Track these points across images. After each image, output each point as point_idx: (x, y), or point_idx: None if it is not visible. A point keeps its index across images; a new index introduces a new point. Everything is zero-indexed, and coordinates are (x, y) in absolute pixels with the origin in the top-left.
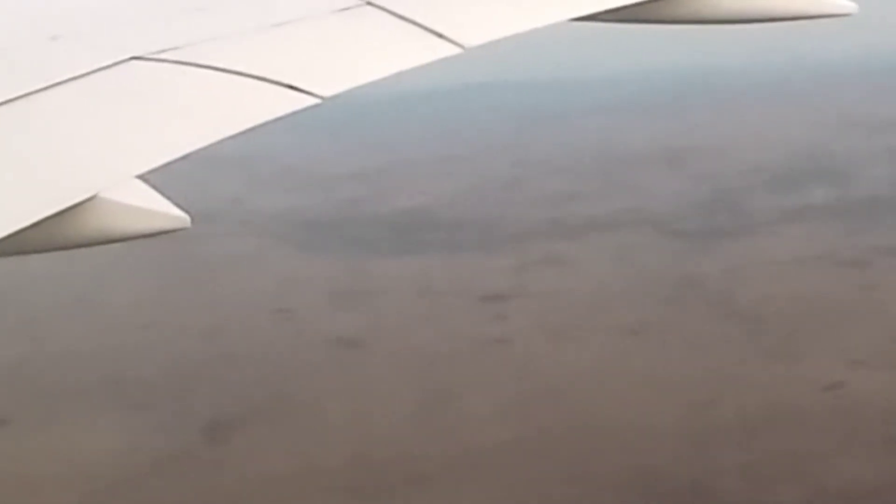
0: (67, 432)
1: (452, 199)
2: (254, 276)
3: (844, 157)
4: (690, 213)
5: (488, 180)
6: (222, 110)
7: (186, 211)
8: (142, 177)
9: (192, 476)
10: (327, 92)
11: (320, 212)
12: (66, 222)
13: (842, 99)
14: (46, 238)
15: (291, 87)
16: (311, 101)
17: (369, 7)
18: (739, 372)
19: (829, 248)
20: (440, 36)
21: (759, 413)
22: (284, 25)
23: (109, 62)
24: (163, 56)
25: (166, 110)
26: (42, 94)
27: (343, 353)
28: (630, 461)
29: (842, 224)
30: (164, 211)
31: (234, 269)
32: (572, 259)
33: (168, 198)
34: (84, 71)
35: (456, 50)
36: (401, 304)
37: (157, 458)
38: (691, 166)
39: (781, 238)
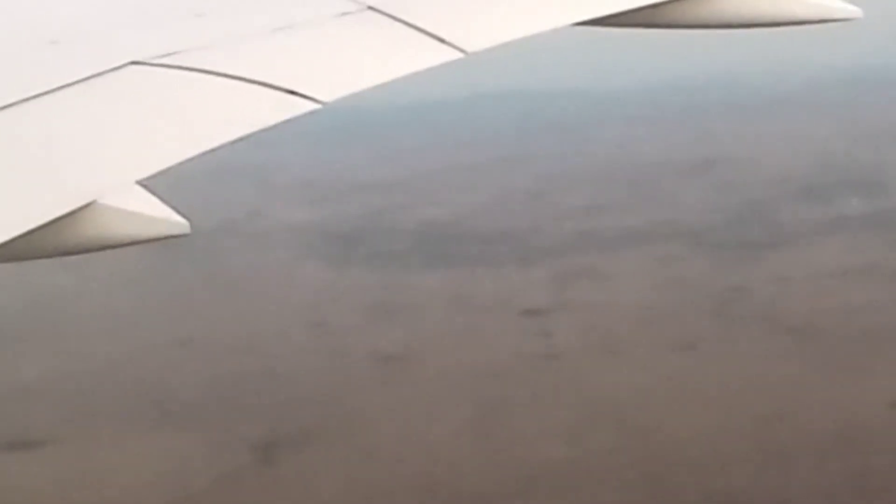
0: (110, 454)
1: (477, 211)
2: (285, 290)
3: (874, 166)
4: (724, 224)
5: (511, 192)
6: (222, 115)
7: (203, 222)
8: (142, 182)
9: (244, 498)
10: (328, 97)
11: (343, 224)
12: (65, 228)
13: (861, 106)
14: (44, 244)
15: (292, 91)
16: (312, 106)
17: (371, 12)
18: (801, 388)
19: (873, 260)
20: (442, 41)
21: (828, 431)
22: (285, 30)
23: (108, 67)
24: (162, 61)
25: (166, 115)
26: (41, 98)
27: (387, 370)
28: (705, 483)
29: (882, 235)
30: (163, 217)
31: (263, 282)
32: (610, 273)
33: (180, 207)
34: (83, 76)
35: (458, 55)
36: (439, 319)
37: (209, 481)
38: (717, 176)
39: (822, 250)
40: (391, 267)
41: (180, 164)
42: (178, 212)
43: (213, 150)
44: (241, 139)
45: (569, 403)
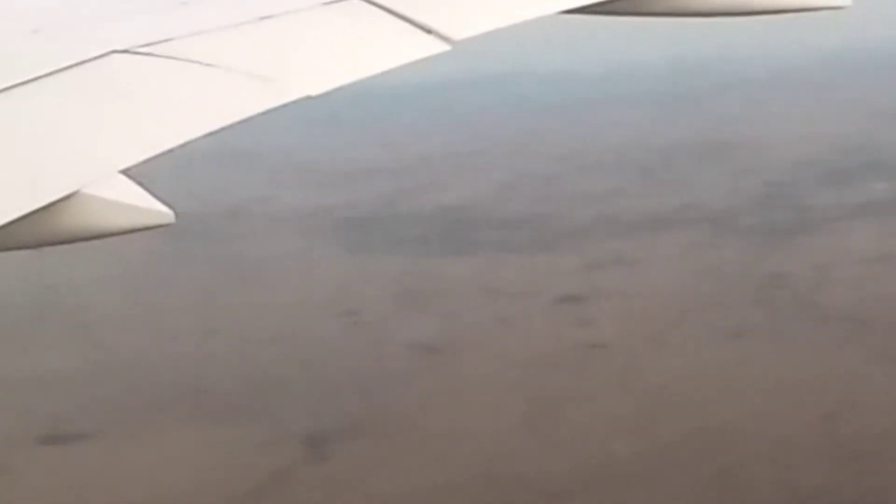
0: (155, 448)
1: (492, 196)
2: (307, 278)
3: (892, 148)
4: (749, 209)
5: (524, 176)
6: (206, 105)
7: (210, 207)
8: (126, 172)
9: (303, 496)
10: (314, 88)
11: (357, 209)
12: (48, 218)
13: (865, 89)
14: (27, 234)
15: (277, 80)
16: (298, 95)
17: (357, 0)
18: (861, 379)
19: None
20: (428, 30)
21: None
22: (270, 19)
23: (91, 56)
24: (146, 50)
25: (149, 105)
26: (23, 88)
27: (428, 361)
28: (782, 480)
29: None
30: (147, 206)
31: (284, 270)
32: (640, 258)
33: (182, 193)
34: (65, 64)
35: (444, 44)
36: (472, 307)
37: (261, 477)
38: (733, 160)
39: (856, 235)
40: (413, 253)
41: (175, 150)
42: (180, 199)
43: (196, 140)
44: (225, 128)
45: (624, 395)
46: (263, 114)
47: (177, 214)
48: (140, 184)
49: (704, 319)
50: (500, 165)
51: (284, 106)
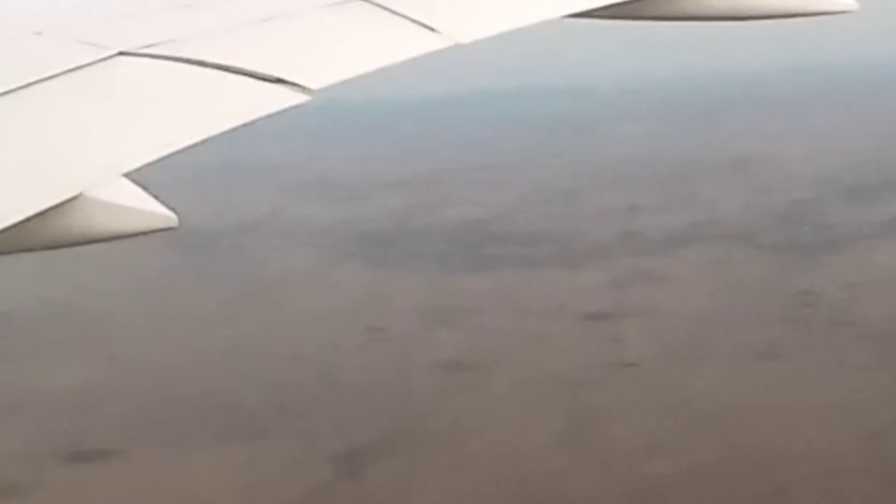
0: (185, 466)
1: (509, 211)
2: (329, 294)
3: None
4: (772, 226)
5: (541, 191)
6: (211, 106)
7: (223, 220)
8: (130, 175)
9: None
10: (316, 85)
11: (372, 223)
12: (51, 221)
13: (877, 101)
14: (30, 237)
15: (279, 80)
16: (301, 98)
17: (360, 1)
18: None
19: None
20: (432, 30)
21: None
22: (273, 20)
23: (96, 58)
24: (150, 51)
25: (154, 107)
26: (26, 90)
27: (458, 378)
28: (827, 500)
29: None
30: (150, 210)
31: (303, 285)
32: (665, 276)
33: (193, 205)
34: (70, 66)
35: (448, 44)
36: (498, 324)
37: (295, 496)
38: (752, 176)
39: (882, 253)
40: (434, 269)
41: (188, 161)
42: (193, 212)
43: (203, 142)
44: (230, 130)
45: (660, 414)
46: (270, 119)
47: (190, 227)
48: (144, 187)
49: (735, 338)
50: (513, 179)
51: (293, 116)
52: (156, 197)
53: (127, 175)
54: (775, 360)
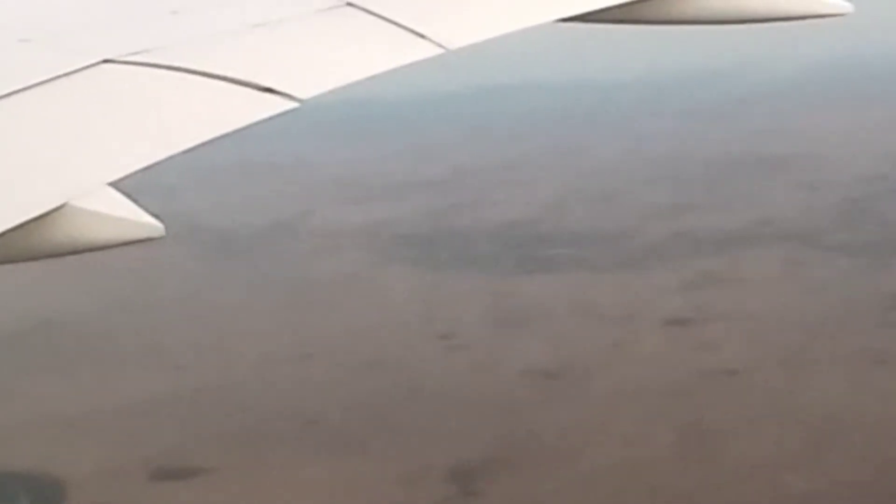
0: (283, 484)
1: (549, 211)
2: (385, 299)
3: None
4: (833, 225)
5: (577, 190)
6: (197, 115)
7: (252, 222)
8: (115, 184)
9: None
10: (305, 94)
11: (409, 225)
12: (35, 231)
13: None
14: (14, 247)
15: (268, 89)
16: (290, 104)
17: (350, 8)
18: None
19: None
20: (422, 37)
21: None
22: (262, 27)
23: (81, 65)
24: (136, 59)
25: (139, 115)
26: (11, 98)
27: (549, 387)
28: None
29: None
30: (135, 219)
31: (357, 290)
32: (735, 278)
33: (216, 207)
34: (55, 74)
35: (439, 51)
36: (575, 329)
37: None
38: (796, 174)
39: None
40: (487, 271)
41: (199, 161)
42: (216, 215)
43: (189, 151)
44: (217, 138)
45: (780, 426)
46: (269, 123)
47: (219, 230)
48: (131, 197)
49: (834, 343)
50: (543, 178)
51: (298, 114)
52: (174, 203)
53: (113, 184)
54: (888, 367)
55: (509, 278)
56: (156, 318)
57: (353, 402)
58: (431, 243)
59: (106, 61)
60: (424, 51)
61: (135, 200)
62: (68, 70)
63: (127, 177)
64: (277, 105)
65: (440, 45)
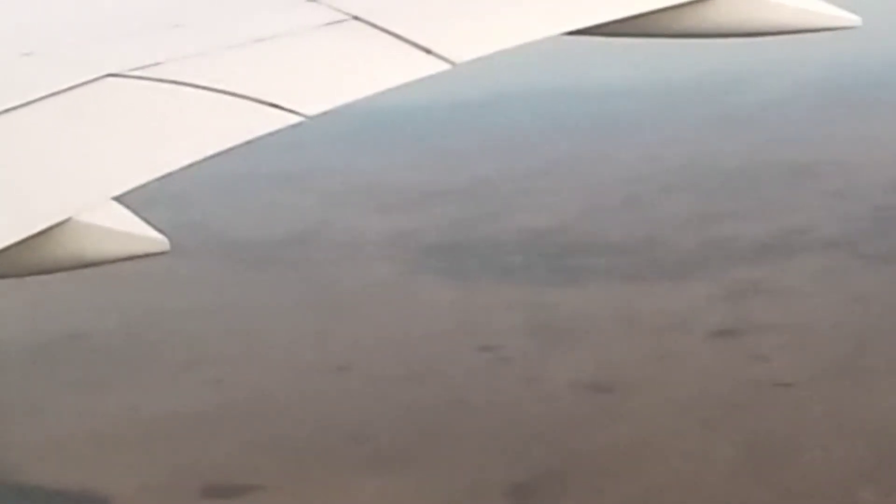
0: (337, 501)
1: (579, 220)
2: (420, 309)
3: None
4: (870, 234)
5: (604, 197)
6: (202, 129)
7: (269, 232)
8: (119, 199)
9: None
10: (311, 110)
11: (436, 235)
12: (40, 246)
13: None
14: (18, 262)
15: (274, 105)
16: (294, 119)
17: (356, 22)
18: None
19: None
20: (428, 51)
21: None
22: (268, 41)
23: (85, 79)
24: (140, 73)
25: (144, 129)
26: (14, 112)
27: (600, 401)
28: None
29: None
30: (141, 234)
31: (390, 301)
32: (780, 288)
33: (232, 216)
34: (58, 88)
35: (445, 66)
36: (620, 341)
37: None
38: (824, 182)
39: None
40: (522, 282)
41: (212, 170)
42: (238, 225)
43: (191, 165)
44: (220, 153)
45: (845, 438)
46: (278, 133)
47: (241, 240)
48: (134, 211)
49: (888, 352)
50: (566, 187)
51: (307, 125)
52: (190, 213)
53: (117, 198)
54: None
55: (544, 288)
56: (186, 330)
57: (397, 416)
58: (459, 253)
59: (110, 75)
60: (431, 66)
61: (149, 212)
62: (72, 84)
63: (131, 191)
64: (282, 119)
65: (447, 60)
